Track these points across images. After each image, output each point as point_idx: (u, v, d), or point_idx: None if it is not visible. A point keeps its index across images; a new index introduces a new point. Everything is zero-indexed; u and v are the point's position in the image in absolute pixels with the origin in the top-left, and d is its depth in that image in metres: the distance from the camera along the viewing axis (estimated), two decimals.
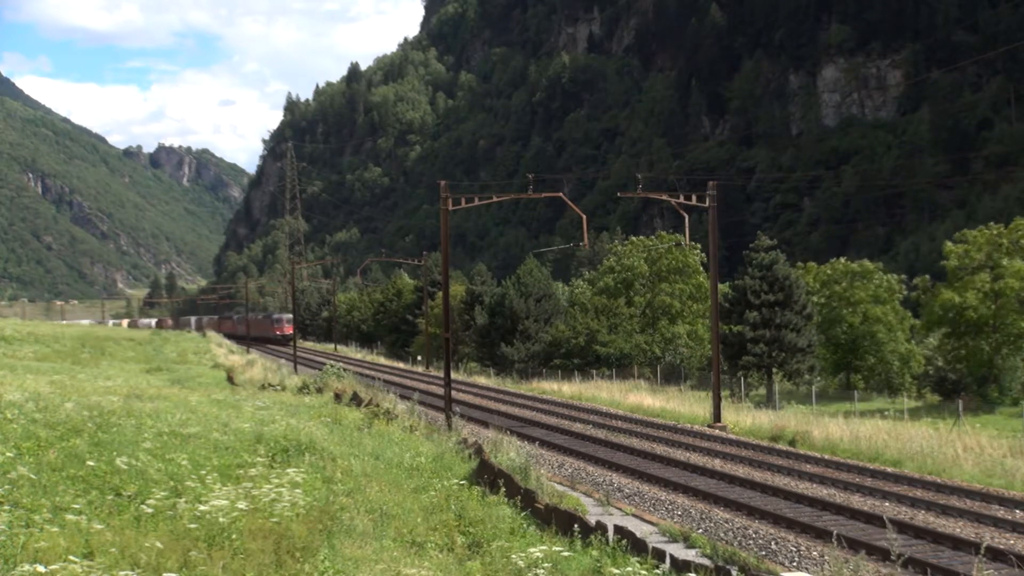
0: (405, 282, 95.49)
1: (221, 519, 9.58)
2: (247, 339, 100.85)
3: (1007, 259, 45.56)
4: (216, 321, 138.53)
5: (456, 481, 15.54)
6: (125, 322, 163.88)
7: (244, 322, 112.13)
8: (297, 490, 11.71)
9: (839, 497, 19.05)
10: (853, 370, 53.11)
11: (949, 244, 48.55)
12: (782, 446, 26.38)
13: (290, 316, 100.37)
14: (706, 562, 12.04)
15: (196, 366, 54.22)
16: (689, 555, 13.82)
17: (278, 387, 35.96)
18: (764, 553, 15.17)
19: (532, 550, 10.74)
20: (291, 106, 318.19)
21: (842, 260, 54.87)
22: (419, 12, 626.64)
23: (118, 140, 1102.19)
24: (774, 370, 46.66)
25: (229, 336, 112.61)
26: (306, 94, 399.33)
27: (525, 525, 13.39)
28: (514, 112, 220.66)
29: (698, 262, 59.72)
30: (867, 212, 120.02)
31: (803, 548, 15.12)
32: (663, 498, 19.33)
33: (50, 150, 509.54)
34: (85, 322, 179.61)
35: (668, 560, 11.35)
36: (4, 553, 7.92)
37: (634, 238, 67.53)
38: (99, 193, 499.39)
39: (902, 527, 16.00)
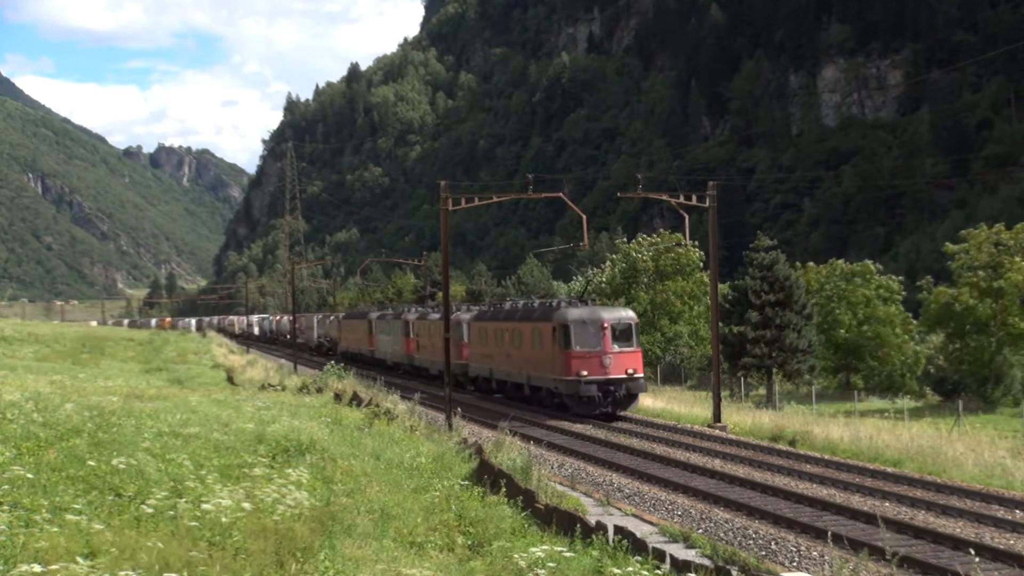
0: (406, 281, 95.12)
1: (223, 519, 9.58)
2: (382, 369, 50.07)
3: (1009, 258, 45.53)
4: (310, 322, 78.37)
5: (457, 481, 15.53)
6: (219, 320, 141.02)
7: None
8: (299, 491, 11.71)
9: (839, 497, 19.03)
10: (853, 371, 53.05)
11: (950, 245, 48.50)
12: (782, 446, 26.36)
13: None
14: (706, 562, 12.04)
15: (196, 366, 54.15)
16: (689, 555, 13.81)
17: (278, 387, 35.96)
18: (764, 553, 15.16)
19: (534, 550, 10.73)
20: (291, 106, 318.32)
21: (840, 262, 54.80)
22: (419, 12, 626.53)
23: (118, 140, 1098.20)
24: (774, 370, 46.66)
25: (349, 357, 58.00)
26: (306, 94, 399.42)
27: (526, 525, 13.38)
28: (514, 112, 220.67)
29: (698, 259, 59.62)
30: (867, 212, 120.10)
31: (803, 548, 15.11)
32: (663, 498, 19.31)
33: (50, 150, 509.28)
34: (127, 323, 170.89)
35: (668, 560, 11.35)
36: (4, 553, 7.91)
37: (637, 239, 67.37)
38: (99, 193, 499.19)
39: (902, 527, 16.01)
